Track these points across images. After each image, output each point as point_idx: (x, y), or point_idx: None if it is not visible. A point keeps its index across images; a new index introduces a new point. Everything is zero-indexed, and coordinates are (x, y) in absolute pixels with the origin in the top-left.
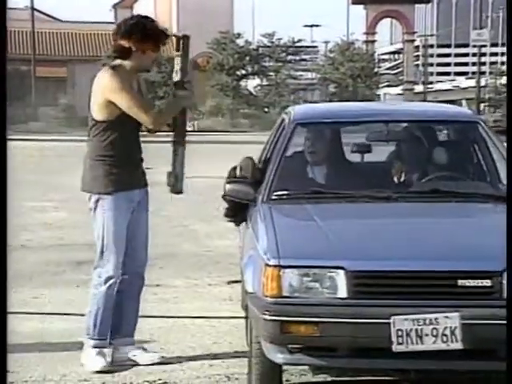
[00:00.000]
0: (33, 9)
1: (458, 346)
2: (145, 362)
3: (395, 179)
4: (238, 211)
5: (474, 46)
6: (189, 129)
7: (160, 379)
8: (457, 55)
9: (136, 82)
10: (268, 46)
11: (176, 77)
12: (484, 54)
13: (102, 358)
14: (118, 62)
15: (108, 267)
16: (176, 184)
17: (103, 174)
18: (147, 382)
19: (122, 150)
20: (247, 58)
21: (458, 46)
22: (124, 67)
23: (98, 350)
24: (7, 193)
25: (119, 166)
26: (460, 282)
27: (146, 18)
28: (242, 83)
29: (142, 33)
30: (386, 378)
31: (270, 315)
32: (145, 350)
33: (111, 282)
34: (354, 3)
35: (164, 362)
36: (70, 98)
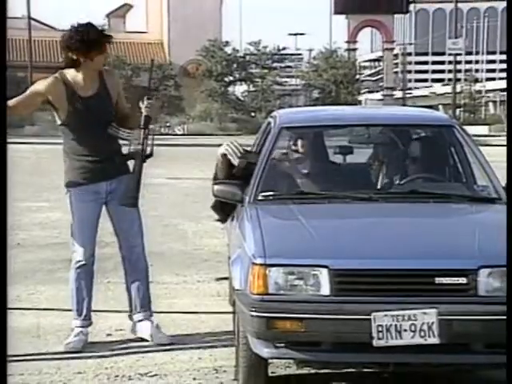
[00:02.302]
0: (29, 18)
1: (435, 340)
2: (154, 341)
3: (376, 180)
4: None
5: (450, 55)
6: (179, 132)
7: (151, 372)
8: (433, 63)
9: (98, 81)
10: (254, 54)
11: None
12: (459, 62)
13: (76, 338)
14: (69, 70)
15: (76, 253)
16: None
17: (65, 169)
18: (139, 374)
19: (77, 147)
20: (235, 65)
21: (434, 54)
22: (71, 73)
23: (78, 330)
24: (7, 193)
25: (77, 161)
26: (437, 280)
27: (84, 26)
28: (230, 89)
29: (84, 45)
30: (366, 370)
31: (257, 312)
32: (158, 328)
33: (78, 265)
34: (336, 13)
35: (173, 342)
36: None
